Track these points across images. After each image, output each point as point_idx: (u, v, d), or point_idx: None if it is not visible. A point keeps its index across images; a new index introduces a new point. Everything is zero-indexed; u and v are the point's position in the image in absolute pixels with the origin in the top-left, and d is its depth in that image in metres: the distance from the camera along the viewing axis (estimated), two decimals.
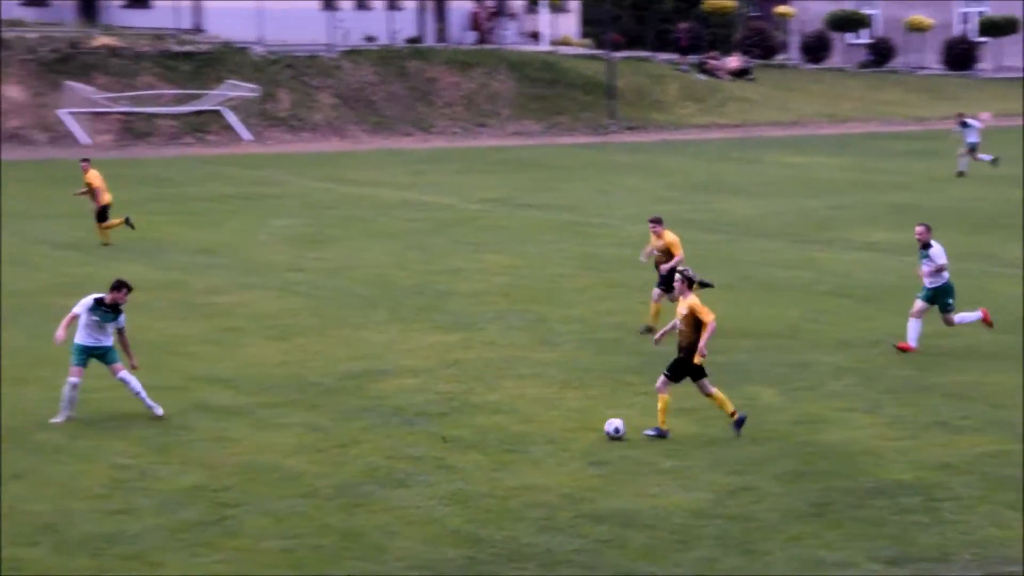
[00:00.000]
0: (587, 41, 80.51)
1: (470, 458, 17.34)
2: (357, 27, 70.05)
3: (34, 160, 51.48)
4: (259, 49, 63.59)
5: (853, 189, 44.84)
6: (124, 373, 18.69)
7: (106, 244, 33.31)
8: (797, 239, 34.71)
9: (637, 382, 20.57)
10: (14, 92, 57.30)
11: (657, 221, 24.13)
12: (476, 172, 49.53)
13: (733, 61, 75.58)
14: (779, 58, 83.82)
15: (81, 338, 18.61)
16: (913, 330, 22.67)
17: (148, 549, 14.38)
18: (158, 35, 63.20)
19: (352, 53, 65.45)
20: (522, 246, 33.45)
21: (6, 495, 15.90)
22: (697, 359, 17.88)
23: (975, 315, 23.27)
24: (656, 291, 23.94)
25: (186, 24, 67.18)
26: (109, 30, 63.71)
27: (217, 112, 59.40)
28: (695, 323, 17.94)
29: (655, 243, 24.11)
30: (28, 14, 68.06)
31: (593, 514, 15.34)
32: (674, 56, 76.15)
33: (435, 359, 22.39)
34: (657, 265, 24.07)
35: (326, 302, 27.00)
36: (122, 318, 18.69)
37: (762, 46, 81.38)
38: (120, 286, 18.52)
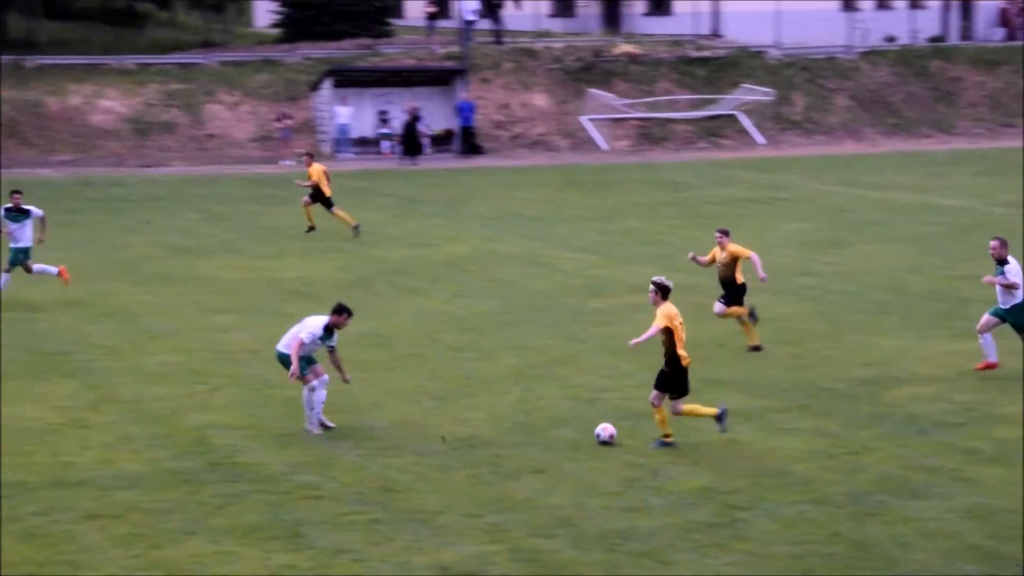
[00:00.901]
0: None
1: (991, 472, 16.71)
2: (877, 27, 68.79)
3: (555, 165, 53.29)
4: (775, 52, 63.51)
5: None
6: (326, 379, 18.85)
7: (311, 229, 35.25)
8: None
9: None
10: (540, 100, 59.51)
11: (724, 232, 23.51)
12: (1000, 174, 47.67)
13: None
14: None
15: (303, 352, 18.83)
16: (987, 346, 21.19)
17: (660, 547, 14.61)
18: (676, 41, 64.14)
19: (870, 54, 64.32)
20: None
21: (526, 488, 16.52)
22: (632, 343, 18.05)
23: None
24: (719, 306, 23.29)
25: (704, 30, 67.87)
26: (630, 38, 65.18)
27: (732, 116, 59.72)
28: (669, 331, 17.75)
29: (717, 254, 23.47)
30: (556, 25, 70.58)
31: None
32: None
33: (953, 368, 21.72)
34: (721, 279, 23.43)
35: (838, 307, 26.66)
36: (335, 338, 18.82)
37: None
38: (341, 310, 18.70)
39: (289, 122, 53.96)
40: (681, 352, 18.04)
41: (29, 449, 17.96)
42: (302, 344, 18.48)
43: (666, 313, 17.98)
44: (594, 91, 59.11)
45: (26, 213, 27.03)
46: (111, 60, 59.53)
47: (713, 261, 23.77)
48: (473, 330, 24.35)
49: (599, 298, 27.98)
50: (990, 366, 21.40)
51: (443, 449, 18.02)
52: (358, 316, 26.29)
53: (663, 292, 18.09)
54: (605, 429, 18.31)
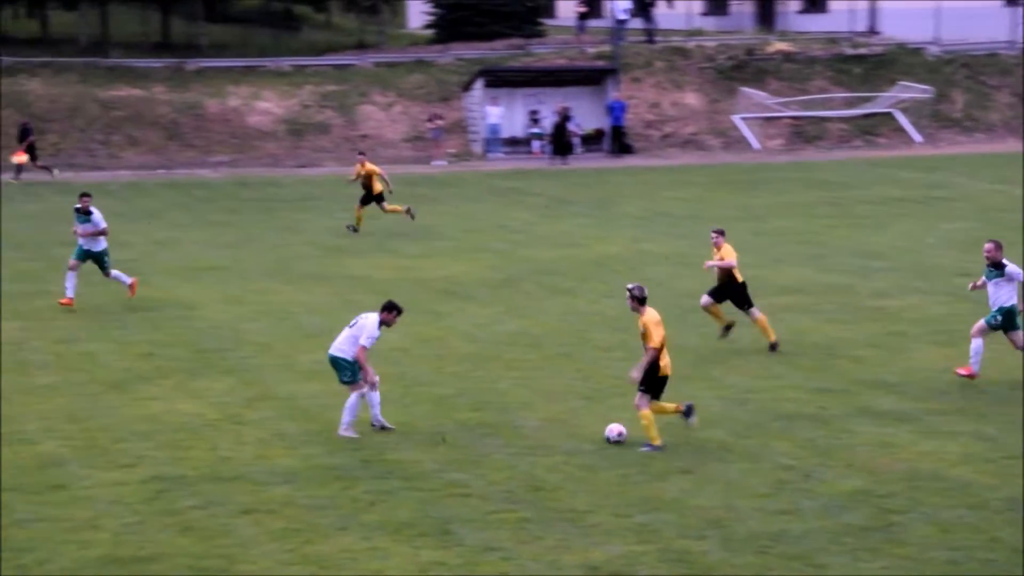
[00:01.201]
0: None
1: None
2: None
3: (706, 165, 52.98)
4: (934, 49, 62.44)
5: None
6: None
7: (356, 229, 35.75)
8: None
9: None
10: (692, 99, 59.22)
11: (720, 232, 23.34)
12: None
13: None
14: None
15: (349, 354, 18.59)
16: (976, 353, 20.45)
17: (811, 551, 14.45)
18: (832, 39, 63.39)
19: None
20: None
21: (675, 488, 16.45)
22: (631, 377, 17.73)
23: None
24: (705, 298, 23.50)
25: (860, 27, 66.97)
26: (784, 36, 64.58)
27: (888, 114, 58.85)
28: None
29: (715, 254, 23.40)
30: (708, 23, 70.19)
31: None
32: None
33: None
34: (720, 279, 23.33)
35: None
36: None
37: None
38: (392, 308, 18.56)
39: (440, 122, 54.34)
40: (662, 362, 17.88)
41: (187, 444, 18.31)
42: (365, 349, 18.42)
43: (657, 325, 17.78)
44: (747, 90, 58.66)
45: (89, 215, 26.97)
46: (268, 62, 60.51)
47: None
48: (622, 330, 24.28)
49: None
50: (971, 375, 20.87)
51: (592, 449, 18.00)
52: (508, 315, 26.50)
53: (640, 300, 17.90)
54: (612, 429, 18.23)
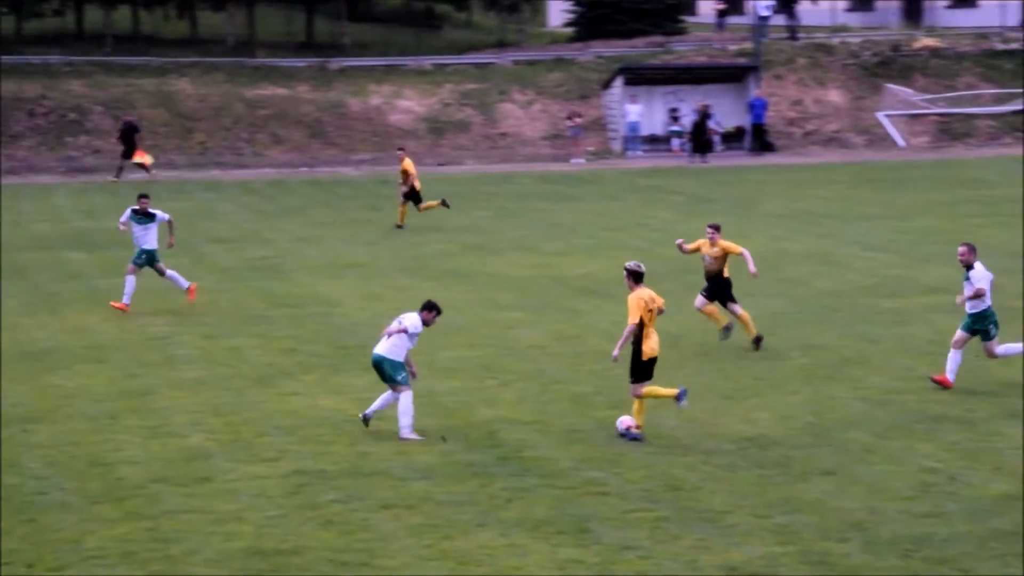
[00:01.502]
0: None
1: None
2: None
3: (849, 162, 52.33)
4: None
5: None
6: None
7: (400, 226, 36.29)
8: None
9: None
10: (835, 96, 58.53)
11: (716, 228, 23.10)
12: None
13: None
14: None
15: (399, 355, 18.46)
16: (952, 362, 19.84)
17: (957, 555, 14.19)
18: (982, 34, 62.26)
19: None
20: None
21: (816, 489, 16.26)
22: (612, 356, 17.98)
23: (1019, 347, 20.02)
24: (700, 299, 23.31)
25: (1012, 21, 65.69)
26: (932, 31, 63.59)
27: None
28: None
29: (708, 250, 22.87)
30: (853, 19, 69.36)
31: None
32: None
33: None
34: (709, 273, 23.17)
35: None
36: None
37: None
38: (432, 307, 18.52)
39: (579, 120, 54.32)
40: (646, 346, 17.97)
41: (329, 439, 18.50)
42: (406, 331, 18.42)
43: (638, 303, 17.94)
44: (892, 86, 57.86)
45: (151, 217, 26.73)
46: (409, 61, 60.99)
47: (697, 251, 23.41)
48: (762, 329, 24.07)
49: (893, 298, 27.36)
50: (944, 382, 20.32)
51: (731, 448, 17.87)
52: None
53: (635, 277, 18.11)
54: (622, 422, 18.28)
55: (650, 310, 18.24)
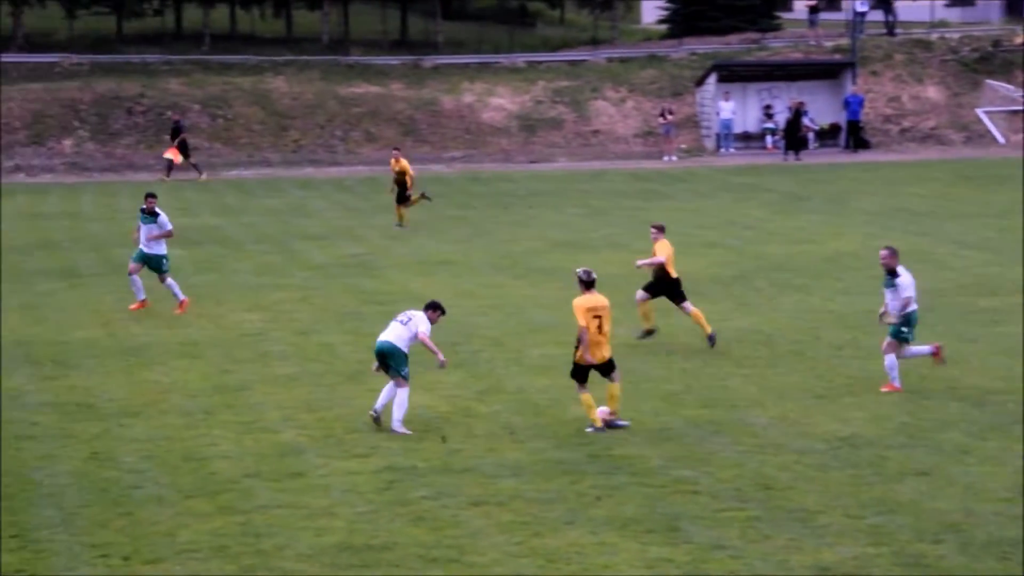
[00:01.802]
0: None
1: None
2: None
3: (947, 160, 51.72)
4: None
5: None
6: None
7: (401, 226, 36.26)
8: None
9: None
10: (932, 93, 57.86)
11: (659, 228, 23.57)
12: None
13: None
14: None
15: (406, 347, 18.83)
16: (892, 368, 19.69)
17: None
18: None
19: None
20: None
21: (910, 490, 16.08)
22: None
23: (926, 348, 19.89)
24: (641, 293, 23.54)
25: None
26: None
27: None
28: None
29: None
30: (952, 15, 68.52)
31: None
32: None
33: None
34: (655, 273, 23.48)
35: None
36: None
37: None
38: (437, 307, 19.17)
39: (672, 117, 54.11)
40: (585, 351, 18.14)
41: (419, 436, 18.57)
42: (427, 335, 18.87)
43: (581, 309, 18.14)
44: (992, 82, 57.08)
45: (155, 216, 26.54)
46: (502, 59, 61.04)
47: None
48: (856, 328, 23.86)
49: (991, 297, 27.01)
50: (893, 389, 20.06)
51: (824, 448, 17.72)
52: (738, 312, 26.24)
53: (583, 284, 18.31)
54: (602, 411, 18.48)
55: (597, 316, 18.28)
